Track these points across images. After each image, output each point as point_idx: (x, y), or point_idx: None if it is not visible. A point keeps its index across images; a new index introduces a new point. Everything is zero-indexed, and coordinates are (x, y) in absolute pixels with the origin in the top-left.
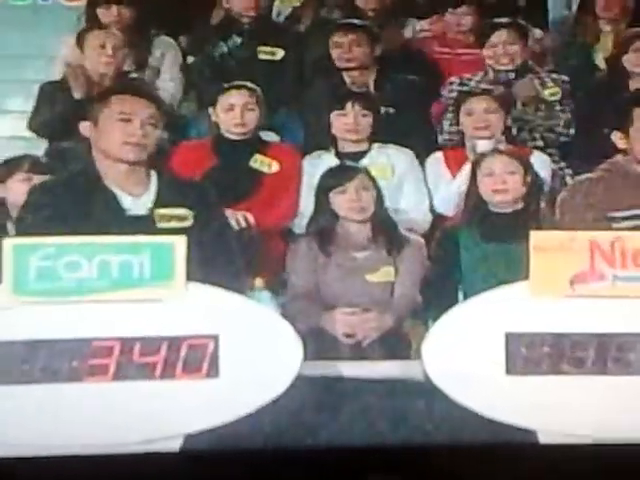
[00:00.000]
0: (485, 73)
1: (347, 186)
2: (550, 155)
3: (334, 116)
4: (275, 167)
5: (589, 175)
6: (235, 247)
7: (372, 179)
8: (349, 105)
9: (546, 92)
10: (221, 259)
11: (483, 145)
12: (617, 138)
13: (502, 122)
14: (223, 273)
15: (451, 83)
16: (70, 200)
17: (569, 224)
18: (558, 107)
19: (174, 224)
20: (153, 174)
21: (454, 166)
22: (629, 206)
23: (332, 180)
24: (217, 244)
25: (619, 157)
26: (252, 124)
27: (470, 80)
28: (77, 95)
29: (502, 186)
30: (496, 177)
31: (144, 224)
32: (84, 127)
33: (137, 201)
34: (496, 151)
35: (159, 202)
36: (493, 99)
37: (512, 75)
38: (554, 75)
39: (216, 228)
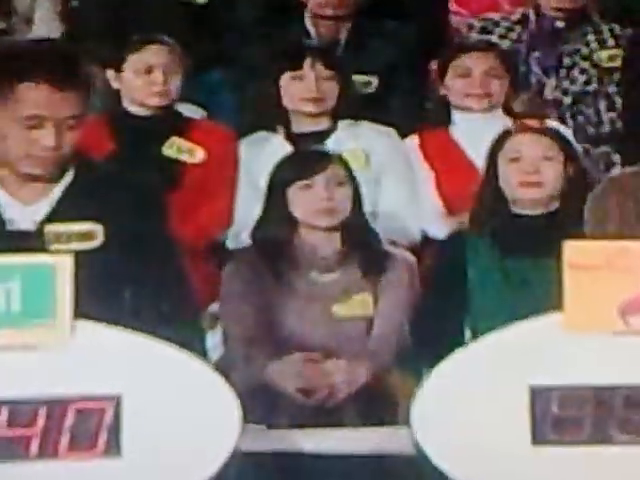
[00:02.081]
0: (523, 17)
1: (314, 179)
2: (590, 139)
3: (285, 81)
4: (200, 155)
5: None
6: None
7: (348, 170)
8: (307, 64)
9: (603, 54)
10: (157, 288)
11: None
12: None
13: (504, 91)
14: (161, 307)
15: (470, 27)
16: None
17: (616, 232)
18: (614, 76)
19: (75, 245)
20: (69, 173)
21: (435, 156)
22: None
23: (293, 171)
24: (149, 270)
25: None
26: (175, 94)
27: (497, 24)
28: None
29: (534, 177)
30: (526, 164)
31: (31, 243)
32: None
33: (25, 211)
34: (526, 128)
35: (56, 214)
36: (498, 57)
37: (561, 24)
38: (617, 29)
39: (139, 246)
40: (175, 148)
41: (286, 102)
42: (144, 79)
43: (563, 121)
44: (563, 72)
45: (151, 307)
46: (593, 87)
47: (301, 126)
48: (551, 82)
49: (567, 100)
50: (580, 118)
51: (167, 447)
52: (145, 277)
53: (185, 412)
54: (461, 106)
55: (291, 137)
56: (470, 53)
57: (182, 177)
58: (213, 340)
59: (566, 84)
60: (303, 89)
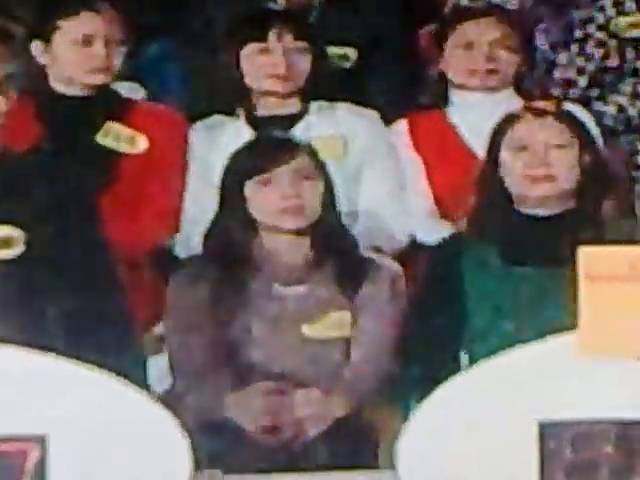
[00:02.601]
0: None
1: (276, 173)
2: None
3: (247, 54)
4: (141, 144)
5: None
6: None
7: (319, 163)
8: (273, 34)
9: (621, 21)
10: (88, 306)
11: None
12: None
13: (515, 66)
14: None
15: None
16: None
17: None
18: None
19: None
20: None
21: (427, 145)
22: None
23: (251, 162)
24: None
25: None
26: (116, 70)
27: None
28: None
29: (544, 170)
30: (534, 155)
31: None
32: None
33: None
34: (534, 110)
35: None
36: (509, 25)
37: None
38: None
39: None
40: (112, 136)
41: (248, 80)
42: (81, 52)
43: (579, 105)
44: (575, 47)
45: (80, 328)
46: (613, 63)
47: (266, 108)
48: (561, 59)
49: (582, 81)
50: (598, 102)
51: None
52: (73, 292)
53: (124, 454)
54: (462, 84)
55: (253, 121)
56: (474, 20)
57: (120, 171)
58: (158, 368)
59: (580, 61)
60: (268, 64)
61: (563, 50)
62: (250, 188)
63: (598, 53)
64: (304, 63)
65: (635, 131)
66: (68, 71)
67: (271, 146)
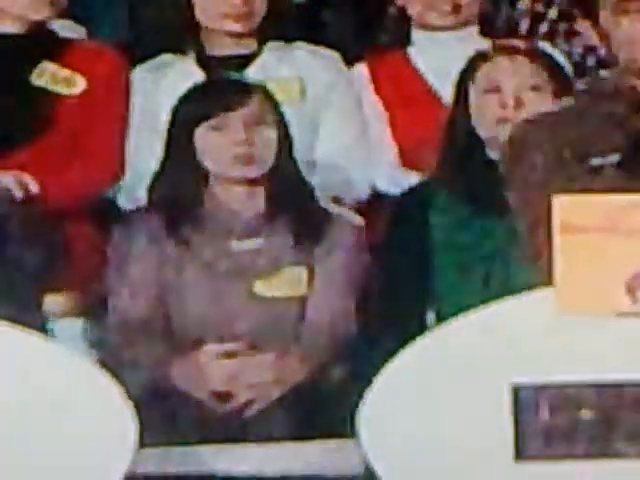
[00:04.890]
0: None
1: (228, 117)
2: None
3: None
4: (79, 85)
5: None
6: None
7: (274, 107)
8: None
9: None
10: None
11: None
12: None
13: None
14: None
15: None
16: None
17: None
18: None
19: None
20: None
21: (388, 88)
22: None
23: (201, 106)
24: None
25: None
26: (60, 5)
27: None
28: None
29: (517, 112)
30: (506, 96)
31: None
32: None
33: None
34: (505, 49)
35: None
36: None
37: None
38: None
39: None
40: (48, 76)
41: (199, 17)
42: None
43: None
44: None
45: None
46: None
47: (218, 48)
48: None
49: (552, 13)
50: (570, 38)
51: (40, 469)
52: None
53: (61, 425)
54: (423, 22)
55: (204, 62)
56: None
57: (56, 114)
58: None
59: None
60: (222, 1)
61: None
62: (200, 134)
63: None
64: (260, 0)
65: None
66: (12, 5)
67: (223, 88)
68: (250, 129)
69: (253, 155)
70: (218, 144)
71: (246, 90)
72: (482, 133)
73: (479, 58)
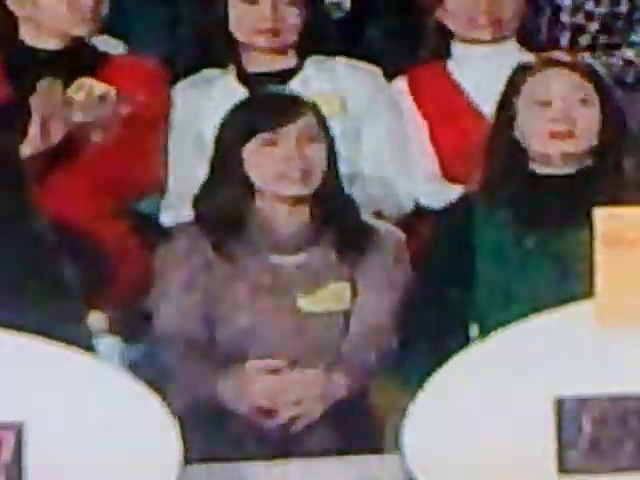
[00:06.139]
0: None
1: (281, 133)
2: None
3: (234, 4)
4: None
5: None
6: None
7: (323, 123)
8: None
9: None
10: (21, 279)
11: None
12: None
13: (519, 14)
14: (20, 306)
15: None
16: None
17: None
18: None
19: None
20: None
21: (429, 101)
22: None
23: (251, 121)
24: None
25: None
26: (99, 21)
27: None
28: None
29: (567, 126)
30: (557, 109)
31: None
32: None
33: None
34: (549, 62)
35: None
36: None
37: None
38: None
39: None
40: (85, 92)
41: (238, 33)
42: (68, 2)
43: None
44: None
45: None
46: (624, 7)
47: (257, 63)
48: (568, 2)
49: (593, 26)
50: (610, 51)
51: None
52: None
53: (106, 442)
54: (462, 36)
55: (245, 78)
56: None
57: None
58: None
59: (589, 5)
60: (256, 17)
61: None
62: (250, 150)
63: None
64: (295, 15)
65: None
66: (53, 21)
67: (274, 103)
68: (301, 145)
69: (304, 172)
70: (269, 159)
71: (298, 105)
72: (532, 147)
73: (523, 71)
